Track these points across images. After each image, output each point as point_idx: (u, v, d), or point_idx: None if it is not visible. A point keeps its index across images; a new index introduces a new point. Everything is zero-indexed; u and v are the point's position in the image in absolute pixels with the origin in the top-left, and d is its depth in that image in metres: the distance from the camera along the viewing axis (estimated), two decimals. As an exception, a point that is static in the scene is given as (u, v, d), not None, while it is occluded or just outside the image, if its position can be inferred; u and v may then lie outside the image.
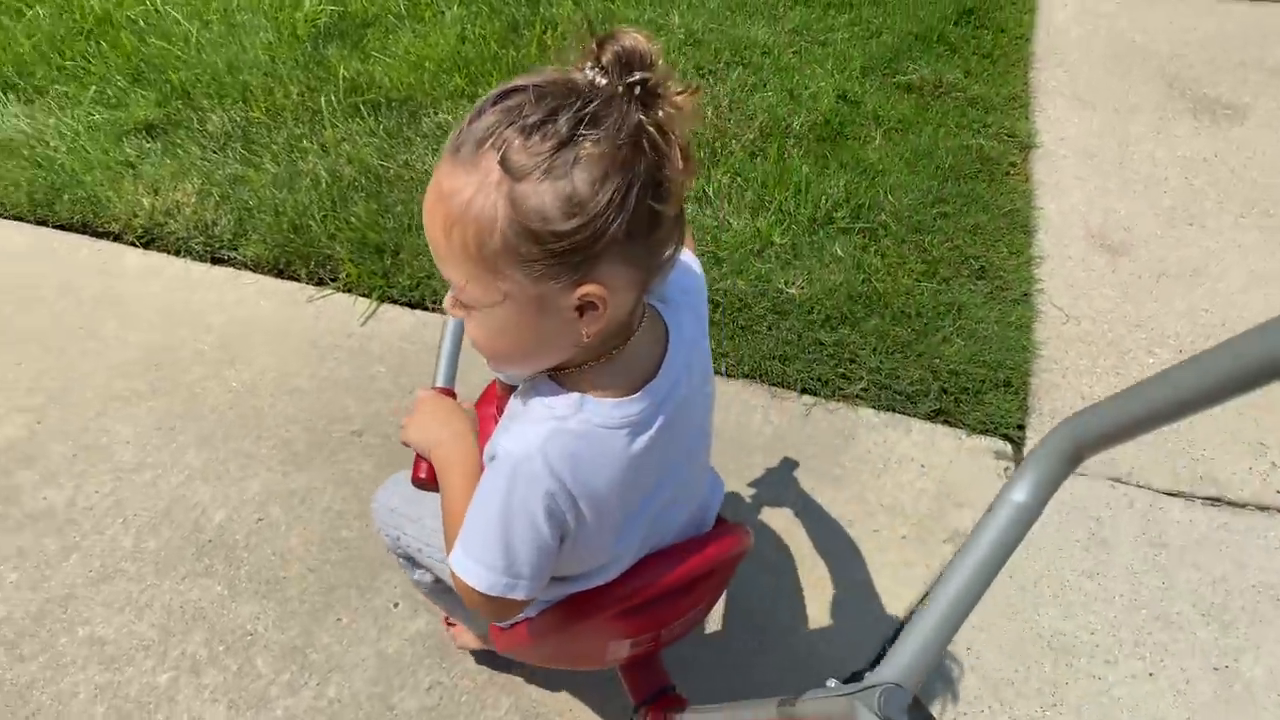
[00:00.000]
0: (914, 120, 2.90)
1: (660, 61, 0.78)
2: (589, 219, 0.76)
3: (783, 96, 2.94)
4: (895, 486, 1.95)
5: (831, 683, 0.85)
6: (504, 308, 0.82)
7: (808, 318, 2.24)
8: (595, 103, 0.76)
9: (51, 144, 2.78)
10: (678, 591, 1.09)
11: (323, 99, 2.93)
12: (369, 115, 2.88)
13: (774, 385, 2.14)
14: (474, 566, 0.92)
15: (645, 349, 0.94)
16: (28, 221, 2.60)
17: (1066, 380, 2.17)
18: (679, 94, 0.79)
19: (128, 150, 2.75)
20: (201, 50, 3.17)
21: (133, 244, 2.53)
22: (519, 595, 0.93)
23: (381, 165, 2.69)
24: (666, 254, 0.85)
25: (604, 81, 0.77)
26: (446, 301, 0.87)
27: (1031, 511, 0.77)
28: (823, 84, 2.99)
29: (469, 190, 0.78)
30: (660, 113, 0.77)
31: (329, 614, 1.74)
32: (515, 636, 1.15)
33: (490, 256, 0.79)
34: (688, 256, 1.03)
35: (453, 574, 0.94)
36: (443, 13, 3.35)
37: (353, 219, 2.50)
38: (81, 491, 1.95)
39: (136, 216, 2.54)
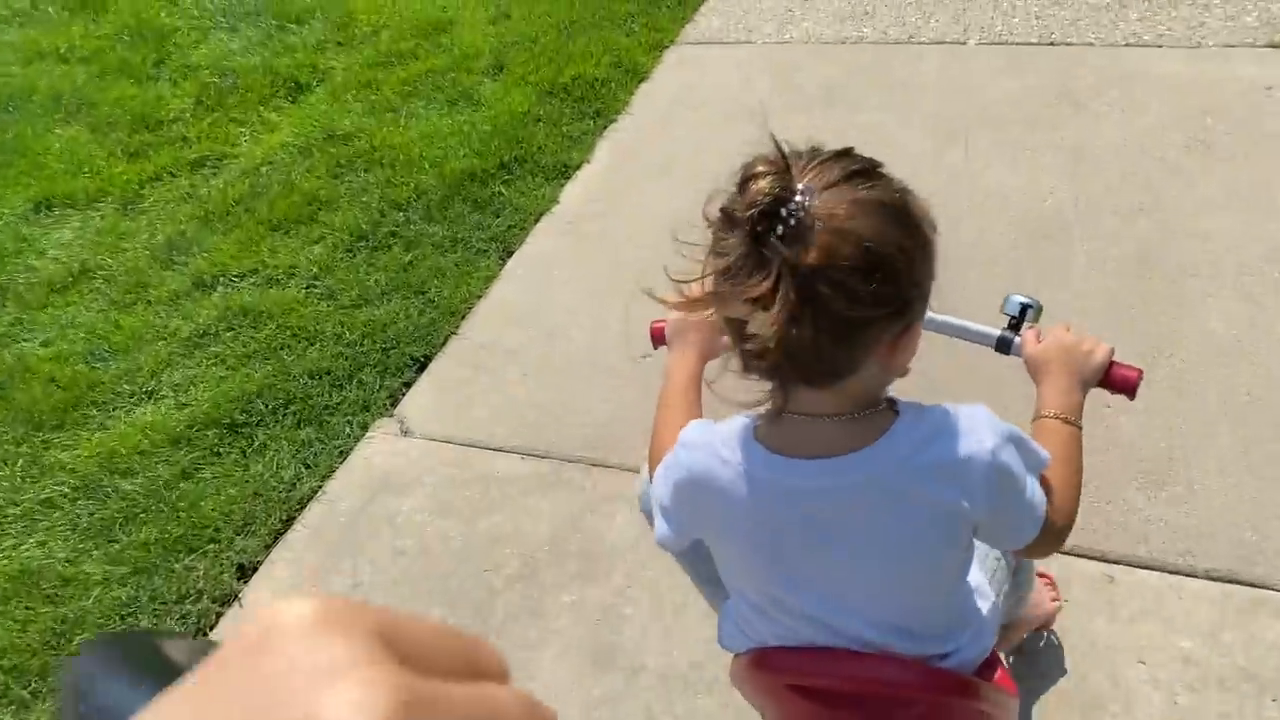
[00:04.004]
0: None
1: (795, 198, 0.86)
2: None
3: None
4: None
5: None
6: None
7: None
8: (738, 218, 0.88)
9: None
10: (851, 701, 1.10)
11: None
12: None
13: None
14: (657, 474, 1.15)
15: (823, 435, 0.99)
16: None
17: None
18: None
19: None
20: None
21: None
22: (655, 529, 1.17)
23: None
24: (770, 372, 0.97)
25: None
26: None
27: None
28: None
29: None
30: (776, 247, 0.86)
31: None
32: (733, 668, 1.25)
33: None
34: (987, 438, 0.99)
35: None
36: None
37: None
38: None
39: None
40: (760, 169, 0.87)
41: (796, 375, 0.96)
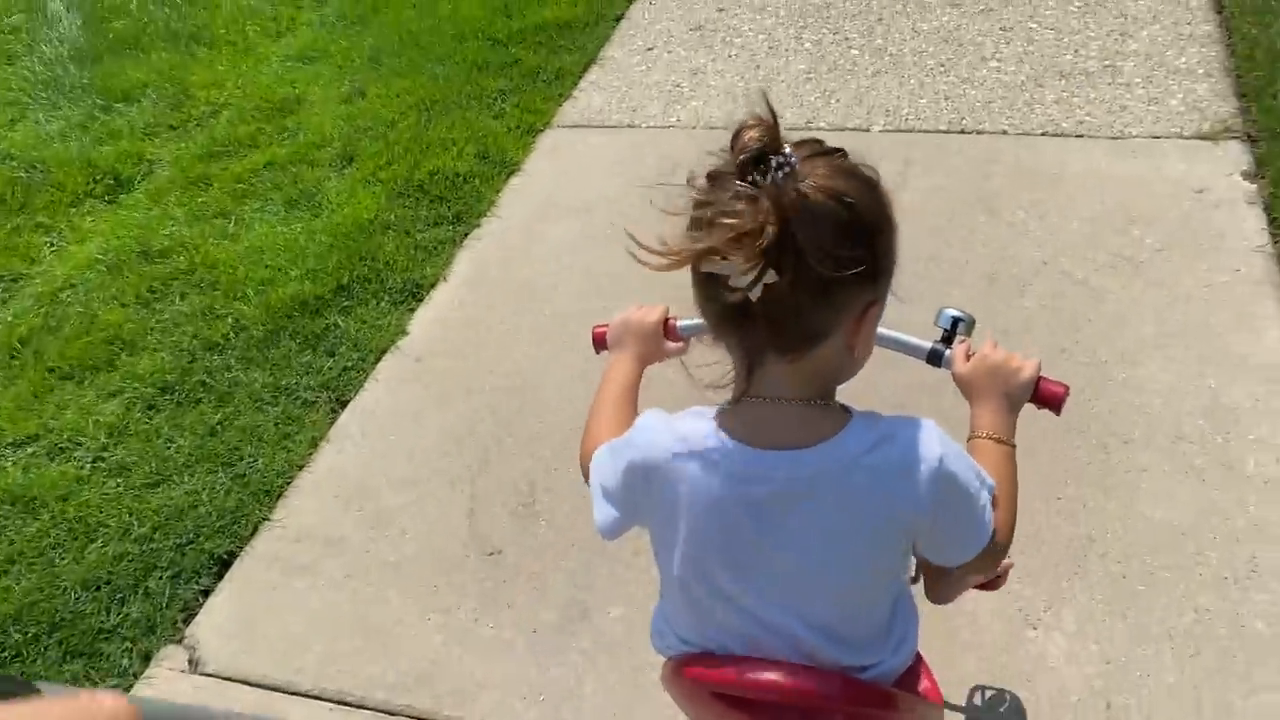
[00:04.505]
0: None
1: (784, 150, 0.89)
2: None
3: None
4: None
5: None
6: None
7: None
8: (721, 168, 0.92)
9: None
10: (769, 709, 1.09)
11: None
12: None
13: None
14: (596, 458, 1.15)
15: (782, 421, 1.00)
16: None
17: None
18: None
19: None
20: None
21: None
22: (595, 514, 1.12)
23: None
24: (732, 336, 0.99)
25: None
26: None
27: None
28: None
29: None
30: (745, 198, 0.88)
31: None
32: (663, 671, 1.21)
33: None
34: (935, 447, 0.99)
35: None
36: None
37: None
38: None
39: None
40: (752, 122, 0.90)
41: (771, 338, 0.96)
